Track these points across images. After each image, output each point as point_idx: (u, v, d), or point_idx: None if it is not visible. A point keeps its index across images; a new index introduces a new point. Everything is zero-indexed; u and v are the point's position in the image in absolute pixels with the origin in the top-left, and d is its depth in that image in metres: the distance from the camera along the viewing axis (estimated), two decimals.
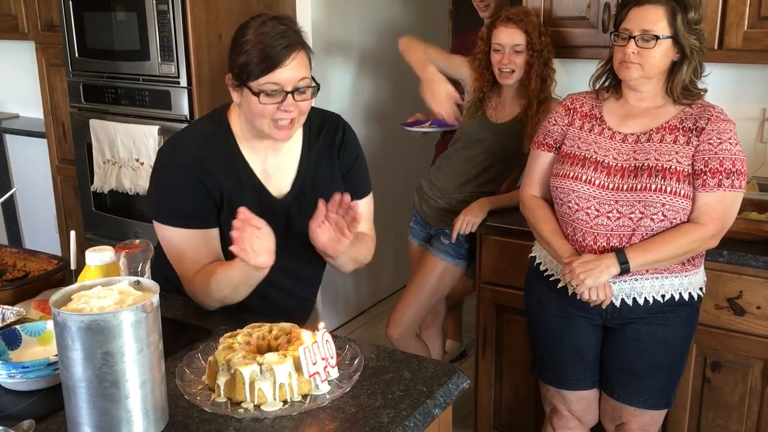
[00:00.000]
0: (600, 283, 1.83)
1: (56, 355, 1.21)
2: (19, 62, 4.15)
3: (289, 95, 1.55)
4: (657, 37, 1.79)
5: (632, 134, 1.88)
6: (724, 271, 2.11)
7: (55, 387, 1.30)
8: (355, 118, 3.74)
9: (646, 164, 1.83)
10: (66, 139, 3.73)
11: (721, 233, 1.84)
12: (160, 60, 3.06)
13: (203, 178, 1.63)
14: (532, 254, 2.10)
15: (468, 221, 2.48)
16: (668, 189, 1.80)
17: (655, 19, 1.79)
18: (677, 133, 1.84)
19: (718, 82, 2.54)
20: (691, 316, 1.94)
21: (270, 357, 1.31)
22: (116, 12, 3.13)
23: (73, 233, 1.63)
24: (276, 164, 1.71)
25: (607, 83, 1.97)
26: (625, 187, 1.83)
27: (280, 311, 1.62)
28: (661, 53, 1.81)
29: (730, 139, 1.81)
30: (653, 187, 1.80)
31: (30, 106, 4.23)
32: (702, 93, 1.89)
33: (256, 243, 1.46)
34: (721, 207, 1.81)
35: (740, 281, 2.10)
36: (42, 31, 3.68)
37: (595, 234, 1.86)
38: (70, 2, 3.25)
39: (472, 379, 2.51)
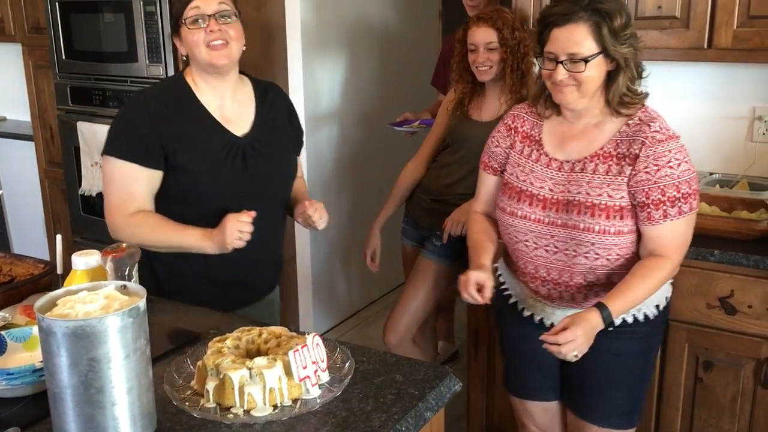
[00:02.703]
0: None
1: (42, 362, 1.19)
2: (6, 65, 4.12)
3: (212, 18, 1.79)
4: (586, 60, 1.65)
5: (568, 162, 1.77)
6: (716, 270, 2.10)
7: (40, 394, 1.28)
8: (345, 119, 3.73)
9: (576, 199, 1.73)
10: (54, 142, 3.70)
11: (682, 258, 1.76)
12: (147, 61, 3.04)
13: (159, 124, 1.81)
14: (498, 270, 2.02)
15: (458, 222, 2.47)
16: (596, 228, 1.70)
17: (580, 40, 1.65)
18: (611, 162, 1.72)
19: (708, 81, 2.55)
20: (650, 332, 1.85)
21: (259, 361, 1.30)
22: (104, 13, 3.11)
23: (59, 237, 1.61)
24: (234, 111, 1.90)
25: (546, 102, 1.83)
26: (559, 222, 1.75)
27: (246, 263, 1.89)
28: (595, 72, 1.67)
29: (669, 162, 1.66)
30: (581, 226, 1.72)
31: (17, 109, 4.20)
32: (642, 97, 1.75)
33: (245, 227, 1.73)
34: (674, 236, 1.70)
35: (732, 280, 2.09)
36: (29, 33, 3.65)
37: (536, 264, 1.82)
38: (57, 4, 3.23)
39: (464, 380, 2.50)
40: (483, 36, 2.43)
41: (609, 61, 1.68)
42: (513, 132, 1.88)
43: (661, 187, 1.66)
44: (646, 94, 1.76)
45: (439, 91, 3.38)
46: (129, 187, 1.81)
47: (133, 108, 1.89)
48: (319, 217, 1.92)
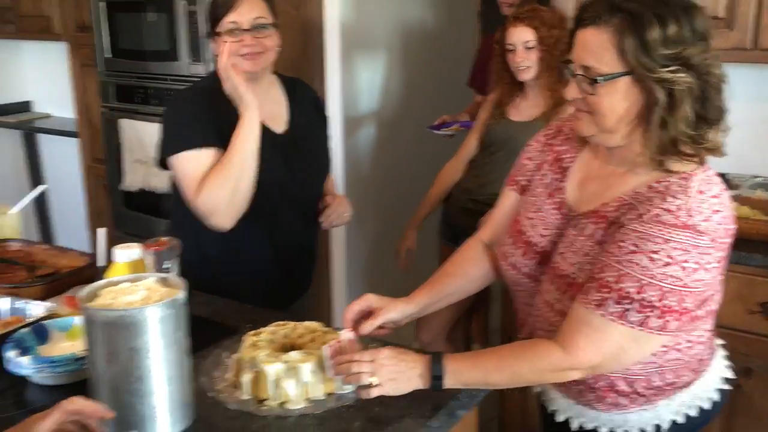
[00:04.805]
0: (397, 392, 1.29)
1: (84, 350, 1.23)
2: (52, 63, 4.22)
3: (248, 33, 1.79)
4: (594, 81, 1.21)
5: (573, 213, 1.36)
6: (757, 275, 2.06)
7: (82, 382, 1.31)
8: (383, 119, 3.74)
9: (553, 262, 1.36)
10: (97, 139, 3.77)
11: (589, 369, 1.27)
12: (189, 60, 3.08)
13: (209, 117, 1.80)
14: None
15: None
16: (556, 306, 1.33)
17: (598, 50, 1.20)
18: (601, 225, 1.29)
19: (752, 83, 2.50)
20: None
21: (294, 355, 1.32)
22: (147, 13, 3.16)
23: (101, 230, 1.64)
24: (269, 110, 1.90)
25: None
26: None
27: (285, 258, 1.93)
28: (615, 100, 1.21)
29: (654, 252, 1.17)
30: (546, 297, 1.35)
31: (62, 106, 4.29)
32: (707, 151, 1.23)
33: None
34: (595, 337, 1.23)
35: None
36: (75, 32, 3.73)
37: (523, 315, 1.51)
38: (103, 3, 3.30)
39: None
40: (520, 35, 2.43)
41: (646, 90, 1.20)
42: (548, 149, 1.47)
43: (622, 273, 1.20)
44: (715, 148, 1.24)
45: (476, 92, 3.37)
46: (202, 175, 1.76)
47: (181, 105, 1.88)
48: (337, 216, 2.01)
